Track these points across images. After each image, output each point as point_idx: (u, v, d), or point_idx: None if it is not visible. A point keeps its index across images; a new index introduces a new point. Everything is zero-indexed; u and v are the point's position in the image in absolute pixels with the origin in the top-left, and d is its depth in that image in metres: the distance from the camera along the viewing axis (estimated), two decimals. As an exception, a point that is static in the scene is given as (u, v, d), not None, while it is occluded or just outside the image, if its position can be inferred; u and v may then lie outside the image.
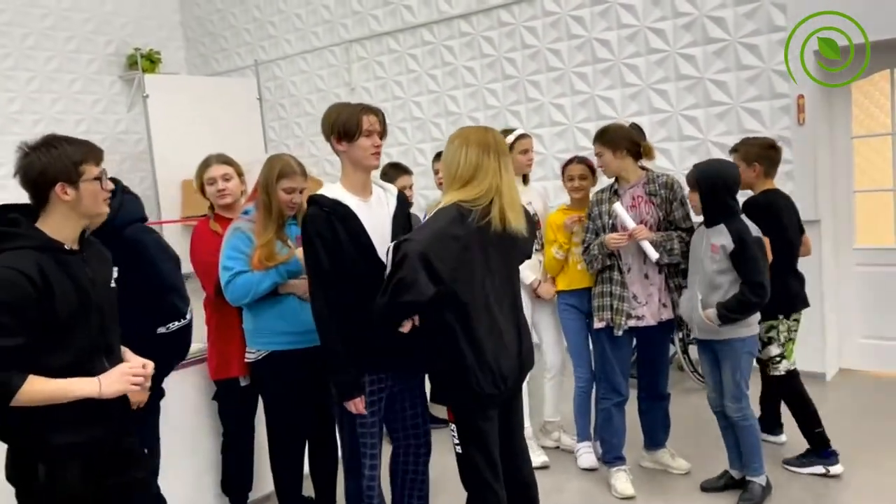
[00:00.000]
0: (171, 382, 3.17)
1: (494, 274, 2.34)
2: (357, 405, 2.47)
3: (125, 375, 1.96)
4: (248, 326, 2.93)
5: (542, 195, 4.05)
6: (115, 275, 2.20)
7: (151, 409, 2.61)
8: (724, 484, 3.30)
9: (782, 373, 3.44)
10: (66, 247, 1.95)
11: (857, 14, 4.32)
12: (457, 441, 2.37)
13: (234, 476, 3.22)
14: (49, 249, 1.91)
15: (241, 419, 3.15)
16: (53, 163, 1.90)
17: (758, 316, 3.13)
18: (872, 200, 4.82)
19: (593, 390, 3.71)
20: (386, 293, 2.18)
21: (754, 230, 3.04)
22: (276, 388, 2.93)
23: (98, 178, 1.98)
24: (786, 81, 4.67)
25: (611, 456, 3.44)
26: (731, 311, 3.01)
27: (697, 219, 3.24)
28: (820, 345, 4.72)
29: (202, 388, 3.27)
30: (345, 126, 2.46)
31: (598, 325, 3.36)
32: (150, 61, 7.90)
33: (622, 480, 3.37)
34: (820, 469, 3.41)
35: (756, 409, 3.43)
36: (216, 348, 3.07)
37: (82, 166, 1.95)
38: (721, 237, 3.04)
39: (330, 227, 2.41)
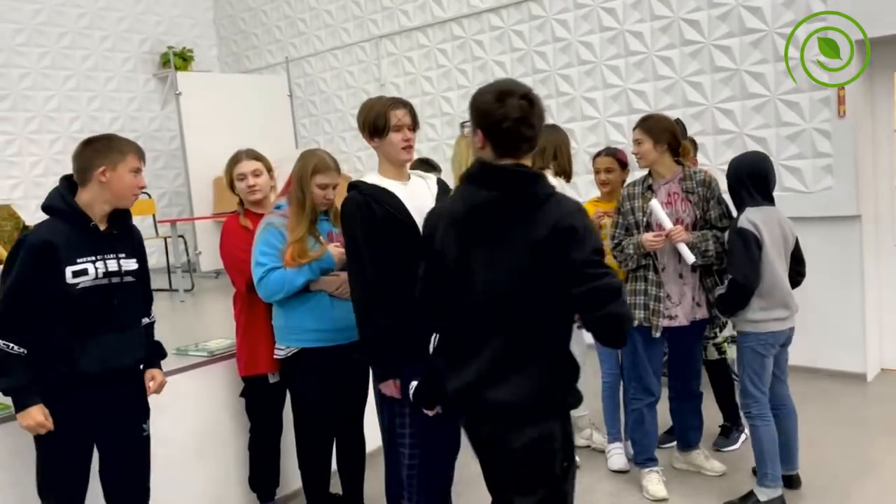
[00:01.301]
0: (199, 378, 3.22)
1: None
2: (391, 388, 2.50)
3: None
4: (279, 323, 2.92)
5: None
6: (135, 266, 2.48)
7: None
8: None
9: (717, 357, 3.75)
10: None
11: (866, 10, 4.23)
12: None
13: (262, 472, 3.22)
14: None
15: (269, 416, 3.15)
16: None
17: (767, 315, 3.01)
18: (917, 195, 4.66)
19: (620, 385, 3.65)
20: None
21: (743, 221, 2.99)
22: (305, 385, 2.92)
23: None
24: (825, 73, 4.53)
25: (642, 457, 3.37)
26: (717, 301, 3.15)
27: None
28: (860, 344, 4.58)
29: (229, 385, 3.27)
30: (374, 123, 2.51)
31: None
32: (183, 59, 7.99)
33: (654, 482, 3.30)
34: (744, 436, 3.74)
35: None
36: (245, 345, 3.07)
37: None
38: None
39: (368, 209, 2.44)
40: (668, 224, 3.10)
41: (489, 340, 1.83)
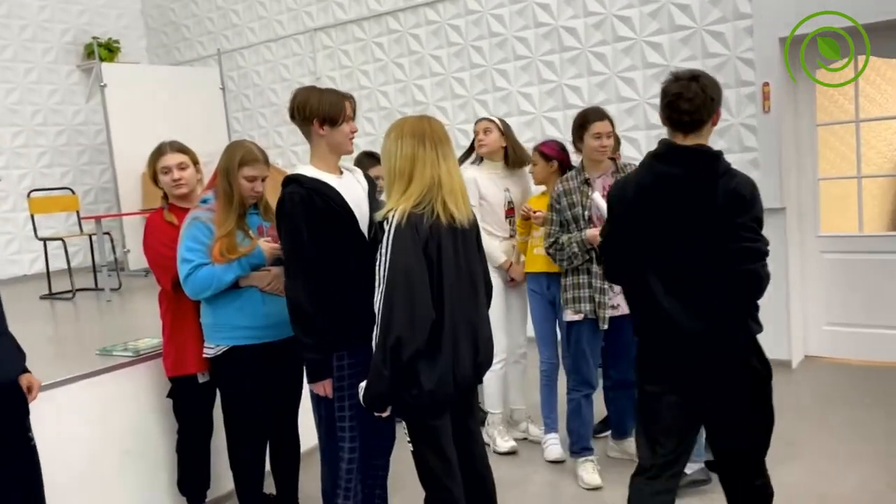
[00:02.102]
0: (124, 380, 3.10)
1: (452, 270, 2.23)
2: (325, 387, 2.51)
3: None
4: (207, 321, 2.83)
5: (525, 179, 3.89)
6: None
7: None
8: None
9: None
10: None
11: (792, 10, 4.37)
12: (409, 439, 2.30)
13: (191, 475, 3.12)
14: None
15: (198, 416, 3.05)
16: None
17: None
18: (837, 188, 4.84)
19: (558, 374, 3.68)
20: (386, 362, 2.10)
21: None
22: (237, 384, 2.84)
23: None
24: (751, 69, 4.67)
25: (579, 446, 3.40)
26: None
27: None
28: (785, 332, 4.74)
29: (156, 385, 3.16)
30: (330, 112, 2.51)
31: (573, 317, 3.28)
32: (109, 50, 7.71)
33: (589, 471, 3.34)
34: None
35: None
36: (172, 344, 2.96)
37: None
38: None
39: (311, 203, 2.43)
40: None
41: (694, 287, 2.17)
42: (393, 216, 2.16)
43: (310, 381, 2.55)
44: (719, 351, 2.18)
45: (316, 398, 2.62)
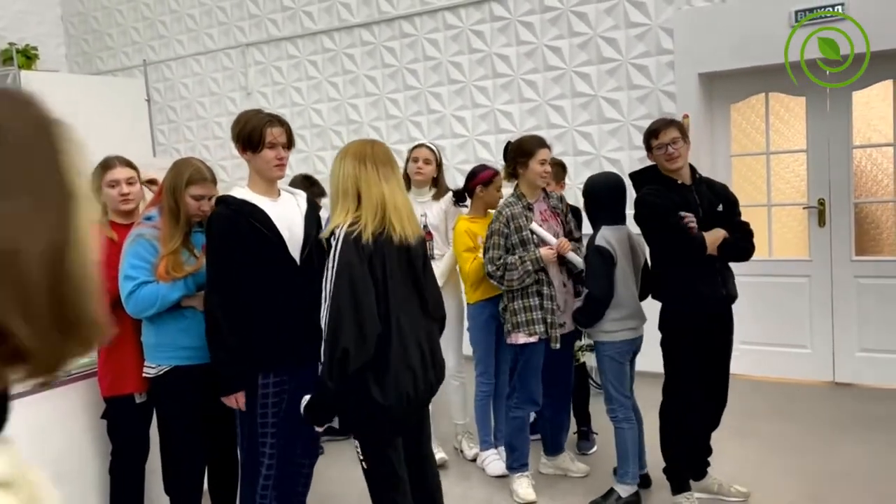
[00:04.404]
0: (54, 400, 3.00)
1: (399, 286, 2.29)
2: (238, 399, 2.61)
3: None
4: (150, 341, 2.79)
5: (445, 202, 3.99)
6: None
7: None
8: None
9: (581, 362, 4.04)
10: None
11: (706, 49, 4.63)
12: (361, 457, 2.34)
13: (125, 498, 3.03)
14: None
15: (135, 437, 2.98)
16: None
17: (621, 325, 3.21)
18: (749, 215, 5.13)
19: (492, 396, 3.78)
20: (333, 375, 2.14)
21: (600, 239, 3.15)
22: (178, 404, 2.81)
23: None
24: (672, 101, 4.95)
25: (518, 463, 3.48)
26: (575, 313, 3.29)
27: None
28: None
29: (87, 406, 3.07)
30: (249, 137, 2.56)
31: (527, 339, 3.31)
32: (27, 57, 7.40)
33: (524, 486, 3.43)
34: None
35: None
36: (110, 364, 2.89)
37: None
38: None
39: (235, 224, 2.48)
40: (552, 240, 3.28)
41: None
42: (339, 233, 2.23)
43: (221, 394, 2.63)
44: None
45: (241, 418, 2.67)
